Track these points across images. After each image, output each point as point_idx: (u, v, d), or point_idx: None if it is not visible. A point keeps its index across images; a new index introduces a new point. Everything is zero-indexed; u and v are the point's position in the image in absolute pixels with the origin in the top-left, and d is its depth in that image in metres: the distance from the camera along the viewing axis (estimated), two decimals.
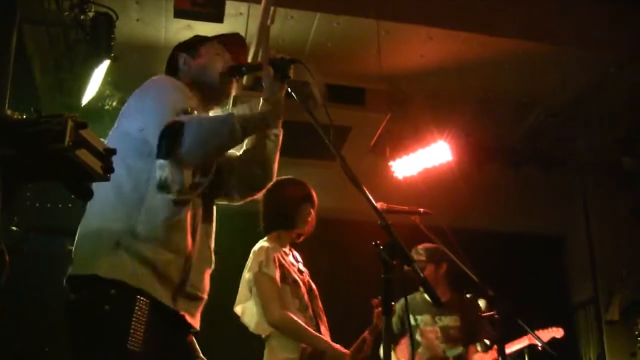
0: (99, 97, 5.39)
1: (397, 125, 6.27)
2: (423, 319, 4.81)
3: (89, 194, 1.73)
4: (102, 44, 4.61)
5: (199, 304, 2.47)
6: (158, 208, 2.31)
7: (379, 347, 4.13)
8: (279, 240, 3.69)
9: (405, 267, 2.18)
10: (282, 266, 3.56)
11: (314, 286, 3.71)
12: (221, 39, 2.79)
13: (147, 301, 2.24)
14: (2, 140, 1.55)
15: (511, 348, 4.83)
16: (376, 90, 5.81)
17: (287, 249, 3.72)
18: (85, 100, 5.02)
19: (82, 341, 2.24)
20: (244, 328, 3.62)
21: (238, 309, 3.62)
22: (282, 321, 3.44)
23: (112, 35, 4.66)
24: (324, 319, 3.64)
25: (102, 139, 1.69)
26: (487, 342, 4.86)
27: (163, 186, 2.30)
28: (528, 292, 6.88)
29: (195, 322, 2.46)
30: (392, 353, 3.34)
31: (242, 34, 5.11)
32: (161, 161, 2.28)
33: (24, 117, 1.60)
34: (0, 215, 1.62)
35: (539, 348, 4.24)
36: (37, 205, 5.80)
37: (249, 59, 4.66)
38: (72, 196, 1.71)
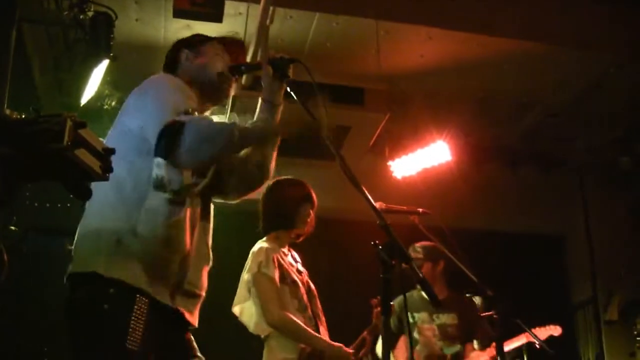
0: (98, 96, 5.39)
1: (396, 125, 6.27)
2: (421, 316, 4.82)
3: (88, 194, 1.73)
4: (102, 43, 4.61)
5: (197, 301, 2.48)
6: (158, 207, 2.31)
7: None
8: (277, 241, 3.69)
9: (404, 265, 2.19)
10: (281, 266, 3.56)
11: (312, 286, 3.71)
12: (220, 40, 2.80)
13: (147, 300, 2.25)
14: (1, 139, 1.55)
15: (509, 346, 4.84)
16: (375, 90, 5.81)
17: (285, 249, 3.72)
18: (84, 99, 5.02)
19: (82, 340, 2.25)
20: (242, 328, 3.62)
21: (236, 309, 3.62)
22: (282, 321, 3.44)
23: (112, 35, 4.66)
24: (323, 319, 3.64)
25: (101, 139, 1.69)
26: (477, 342, 4.88)
27: (158, 185, 2.29)
28: (527, 292, 6.87)
29: (194, 319, 2.47)
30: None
31: (242, 33, 5.15)
32: (158, 159, 2.27)
33: (23, 116, 1.60)
34: None
35: (537, 346, 4.25)
36: (36, 205, 5.79)
37: (248, 59, 4.67)
38: (71, 196, 1.71)
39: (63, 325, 2.27)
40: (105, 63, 4.70)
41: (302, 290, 3.59)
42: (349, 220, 6.32)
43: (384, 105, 5.84)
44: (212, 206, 2.62)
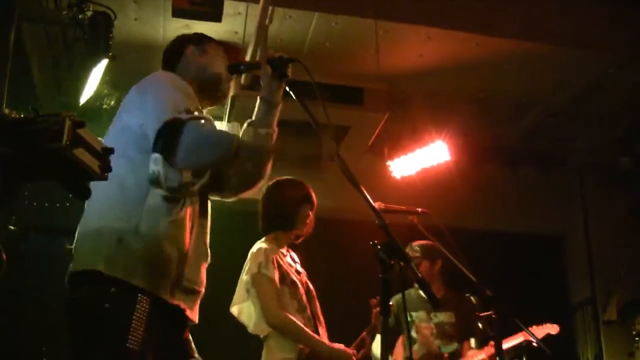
0: (97, 96, 5.38)
1: (395, 125, 6.27)
2: (418, 315, 4.84)
3: (87, 193, 1.72)
4: (101, 43, 4.61)
5: (197, 298, 2.48)
6: (160, 206, 2.31)
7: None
8: (276, 242, 3.68)
9: (402, 264, 2.19)
10: (280, 267, 3.55)
11: (311, 287, 3.71)
12: (219, 42, 2.82)
13: (148, 299, 2.24)
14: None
15: (506, 344, 4.84)
16: (374, 90, 5.81)
17: (284, 250, 3.72)
18: (83, 99, 5.01)
19: (82, 339, 2.24)
20: (241, 328, 3.62)
21: (234, 310, 3.62)
22: (282, 322, 3.44)
23: (111, 35, 4.66)
24: (322, 319, 3.64)
25: (99, 138, 1.69)
26: (474, 340, 4.89)
27: (154, 180, 2.29)
28: (526, 292, 6.87)
29: (194, 315, 2.48)
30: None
31: (241, 33, 5.16)
32: (156, 155, 2.28)
33: (22, 115, 1.59)
34: None
35: (534, 344, 4.25)
36: (35, 204, 5.79)
37: (248, 59, 4.67)
38: (70, 195, 1.71)
39: (62, 325, 2.27)
40: (104, 62, 4.70)
41: (301, 290, 3.59)
42: (348, 220, 6.32)
43: (383, 105, 5.84)
44: (209, 203, 2.62)
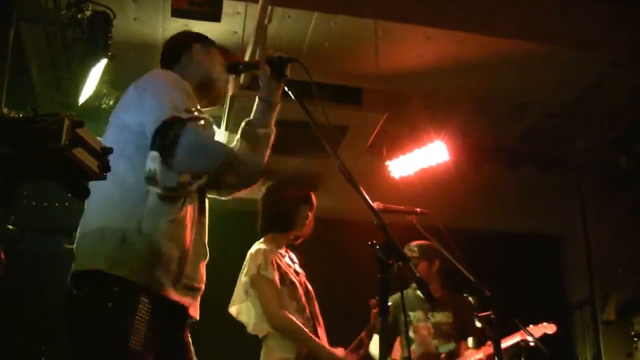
0: (96, 96, 5.38)
1: (394, 125, 6.26)
2: (416, 315, 4.85)
3: (86, 193, 1.72)
4: (100, 42, 4.60)
5: (197, 294, 2.48)
6: (161, 205, 2.31)
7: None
8: (274, 242, 3.68)
9: (400, 264, 2.19)
10: (279, 268, 3.56)
11: (310, 287, 3.71)
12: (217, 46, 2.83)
13: (150, 299, 2.24)
14: None
15: (504, 344, 4.84)
16: (373, 90, 5.80)
17: (283, 251, 3.72)
18: (82, 99, 5.01)
19: (84, 339, 2.24)
20: (241, 328, 3.62)
21: (233, 310, 3.62)
22: (283, 322, 3.45)
23: (110, 34, 4.65)
24: (321, 320, 3.64)
25: (98, 138, 1.68)
26: (472, 340, 4.89)
27: (150, 178, 2.29)
28: (525, 291, 6.88)
29: (195, 312, 2.48)
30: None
31: (240, 33, 5.16)
32: (153, 153, 2.27)
33: (21, 115, 1.59)
34: None
35: (531, 344, 4.25)
36: (34, 204, 5.78)
37: (247, 59, 4.66)
38: (69, 195, 1.71)
39: (62, 325, 2.26)
40: (103, 62, 4.70)
41: (300, 291, 3.59)
42: (347, 220, 6.31)
43: (382, 105, 5.83)
44: (207, 201, 2.62)
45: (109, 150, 1.68)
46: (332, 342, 3.58)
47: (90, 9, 4.62)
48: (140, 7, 5.16)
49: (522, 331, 4.63)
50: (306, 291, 3.65)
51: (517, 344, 4.85)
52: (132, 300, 2.22)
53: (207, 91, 2.67)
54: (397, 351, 4.93)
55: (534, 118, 6.83)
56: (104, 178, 1.69)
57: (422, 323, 4.82)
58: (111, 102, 5.62)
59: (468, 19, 5.37)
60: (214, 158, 2.34)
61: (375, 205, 2.36)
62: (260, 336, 3.56)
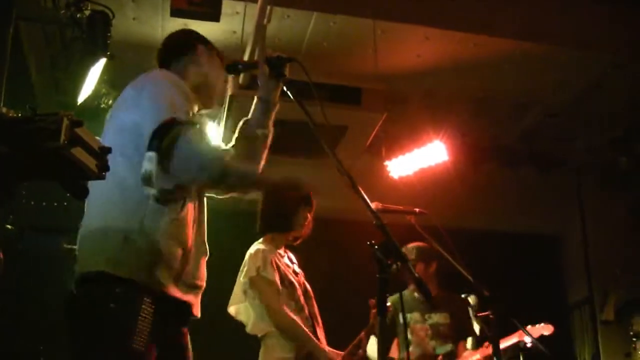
0: (95, 95, 5.37)
1: (393, 125, 6.26)
2: (413, 316, 4.84)
3: (85, 193, 1.72)
4: (99, 42, 4.59)
5: (199, 292, 2.48)
6: (163, 205, 2.30)
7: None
8: (273, 243, 3.68)
9: (399, 264, 2.19)
10: (278, 268, 3.56)
11: (309, 287, 3.71)
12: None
13: (153, 299, 2.24)
14: None
15: (502, 344, 4.84)
16: (372, 90, 5.80)
17: (282, 251, 3.72)
18: (81, 98, 5.00)
19: (86, 340, 2.23)
20: (241, 327, 3.62)
21: (232, 310, 3.63)
22: (285, 321, 3.45)
23: (109, 34, 4.64)
24: (320, 320, 3.64)
25: (97, 138, 1.68)
26: (469, 341, 4.90)
27: (146, 179, 2.28)
28: (524, 291, 6.88)
29: (197, 309, 2.48)
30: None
31: (239, 32, 5.16)
32: (150, 154, 2.26)
33: (20, 115, 1.59)
34: None
35: (529, 344, 4.25)
36: (32, 203, 5.78)
37: (246, 58, 4.66)
38: (68, 194, 1.71)
39: (61, 324, 2.26)
40: (102, 62, 4.69)
41: (299, 291, 3.59)
42: (347, 220, 6.31)
43: (381, 105, 5.83)
44: (205, 199, 2.62)
45: (108, 150, 1.68)
46: (332, 342, 3.58)
47: (89, 8, 4.61)
48: (140, 7, 5.16)
49: (520, 332, 4.63)
50: (305, 291, 3.65)
51: (515, 345, 4.85)
52: (135, 300, 2.21)
53: (205, 94, 2.66)
54: (394, 353, 4.92)
55: (534, 118, 6.83)
56: (103, 178, 1.69)
57: (419, 324, 4.82)
58: (110, 102, 5.61)
59: (467, 19, 5.36)
60: (208, 169, 2.30)
61: (374, 205, 2.36)
62: (259, 336, 3.56)
